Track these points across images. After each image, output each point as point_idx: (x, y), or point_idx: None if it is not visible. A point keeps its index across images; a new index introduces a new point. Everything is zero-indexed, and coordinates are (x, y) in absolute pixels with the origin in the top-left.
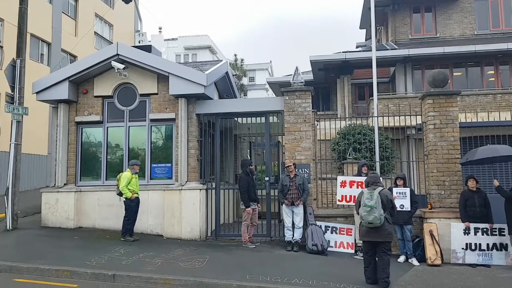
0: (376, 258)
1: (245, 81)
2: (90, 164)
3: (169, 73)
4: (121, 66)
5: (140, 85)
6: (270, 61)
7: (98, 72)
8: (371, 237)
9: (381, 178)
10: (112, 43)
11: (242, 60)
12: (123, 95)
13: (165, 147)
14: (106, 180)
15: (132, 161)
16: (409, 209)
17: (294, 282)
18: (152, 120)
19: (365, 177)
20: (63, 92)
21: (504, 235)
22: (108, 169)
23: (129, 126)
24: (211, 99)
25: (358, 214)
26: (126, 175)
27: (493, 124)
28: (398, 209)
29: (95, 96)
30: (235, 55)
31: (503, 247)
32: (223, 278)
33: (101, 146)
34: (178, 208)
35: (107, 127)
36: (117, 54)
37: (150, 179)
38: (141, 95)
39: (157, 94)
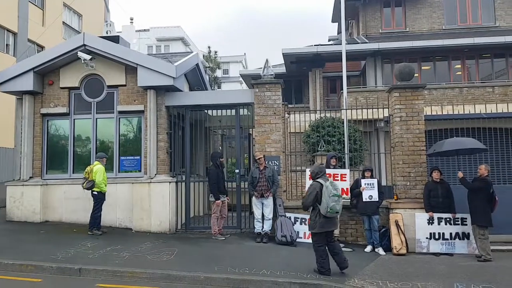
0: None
1: (219, 73)
2: (56, 157)
3: (137, 64)
4: (88, 57)
5: (108, 76)
6: (244, 54)
7: (65, 63)
8: (329, 227)
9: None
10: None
11: (215, 52)
12: (90, 86)
13: (134, 139)
14: (73, 173)
15: (100, 153)
16: (377, 199)
17: (262, 273)
18: (120, 112)
19: (334, 169)
20: (27, 83)
21: (466, 225)
22: (76, 162)
23: (96, 118)
24: (181, 91)
25: (308, 206)
26: (101, 168)
27: (457, 117)
28: (367, 200)
29: (61, 88)
30: (209, 47)
31: (465, 236)
32: (191, 270)
33: (68, 138)
34: (147, 201)
35: (74, 119)
36: (84, 45)
37: (119, 172)
38: (109, 86)
39: (125, 85)
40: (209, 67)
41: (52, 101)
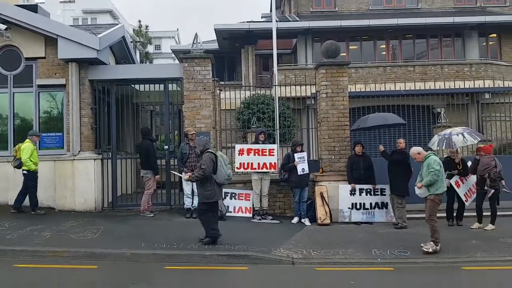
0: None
1: (151, 49)
2: None
3: (57, 35)
4: (3, 26)
5: (26, 48)
6: (177, 29)
7: None
8: (220, 195)
9: None
10: None
11: (147, 26)
12: (6, 58)
13: (55, 115)
14: None
15: (31, 131)
16: (308, 172)
17: (190, 247)
18: (40, 86)
19: (262, 145)
20: None
21: (385, 195)
22: None
23: (13, 93)
24: (106, 64)
25: (209, 175)
26: (28, 146)
27: (378, 94)
28: (301, 173)
29: None
30: (139, 21)
31: (384, 205)
32: (117, 248)
33: None
34: (71, 179)
35: None
36: None
37: (39, 149)
38: (27, 59)
39: (45, 58)
40: (139, 41)
41: None
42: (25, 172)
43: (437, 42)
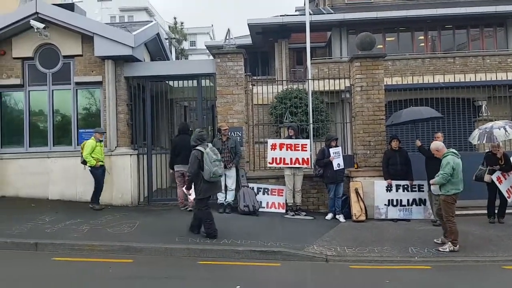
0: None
1: (186, 45)
2: (11, 131)
3: (93, 33)
4: (41, 25)
5: (63, 46)
6: (212, 25)
7: (17, 32)
8: (213, 191)
9: None
10: None
11: (182, 23)
12: (45, 56)
13: (92, 111)
14: (29, 147)
15: (96, 128)
16: (343, 167)
17: (223, 243)
18: (78, 84)
19: (294, 139)
20: None
21: (423, 191)
22: (32, 135)
23: (52, 90)
24: (141, 61)
25: (194, 173)
26: (90, 143)
27: (415, 87)
28: (337, 168)
29: (14, 58)
30: (175, 18)
31: (422, 202)
32: (152, 242)
33: (23, 111)
34: (108, 174)
35: (29, 91)
36: (37, 13)
37: (78, 145)
38: (65, 56)
39: (82, 55)
40: (175, 38)
41: (4, 72)
42: (89, 168)
43: (479, 32)
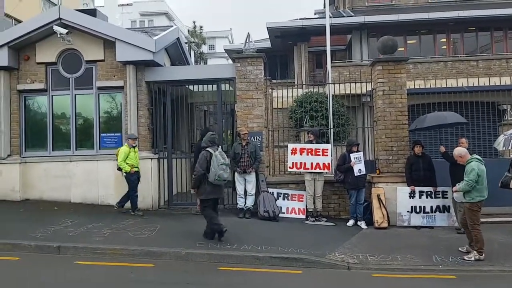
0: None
1: (205, 49)
2: (35, 134)
3: (115, 38)
4: (64, 31)
5: (86, 51)
6: (231, 29)
7: (40, 37)
8: (215, 194)
9: None
10: None
11: (201, 27)
12: (67, 61)
13: (114, 116)
14: (52, 150)
15: (127, 134)
16: (365, 172)
17: (243, 248)
18: (100, 88)
19: (315, 144)
20: (2, 58)
21: (447, 198)
22: (55, 139)
23: (75, 94)
24: (162, 66)
25: (201, 173)
26: (123, 149)
27: (438, 91)
28: (358, 174)
29: (38, 63)
30: (194, 22)
31: (445, 209)
32: (172, 246)
33: (46, 115)
34: None
35: (52, 96)
36: (60, 18)
37: (100, 149)
38: (87, 61)
39: (104, 60)
40: (194, 42)
41: (28, 77)
42: (124, 174)
43: (502, 35)
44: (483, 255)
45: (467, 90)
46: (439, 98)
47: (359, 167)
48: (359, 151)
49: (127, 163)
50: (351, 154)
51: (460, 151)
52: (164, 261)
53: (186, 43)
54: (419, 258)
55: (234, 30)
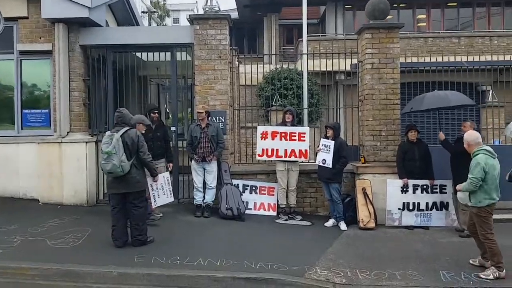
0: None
1: (169, 22)
2: None
3: None
4: None
5: (3, 5)
6: (196, 1)
7: None
8: (118, 189)
9: None
10: None
11: None
12: None
13: (41, 88)
14: None
15: (136, 117)
16: (330, 166)
17: (198, 264)
18: (22, 53)
19: (290, 127)
20: None
21: (446, 193)
22: None
23: None
24: (101, 26)
25: None
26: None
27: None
28: (320, 163)
29: None
30: None
31: (443, 206)
32: (101, 263)
33: None
34: (58, 166)
35: None
36: None
37: (22, 128)
38: (6, 19)
39: (27, 18)
40: (155, 12)
41: None
42: None
43: (485, 11)
44: (504, 271)
45: (466, 66)
46: (415, 78)
47: (323, 157)
48: (337, 138)
49: None
50: (321, 140)
51: (469, 138)
52: (86, 285)
53: (145, 12)
54: (423, 275)
55: (200, 3)
